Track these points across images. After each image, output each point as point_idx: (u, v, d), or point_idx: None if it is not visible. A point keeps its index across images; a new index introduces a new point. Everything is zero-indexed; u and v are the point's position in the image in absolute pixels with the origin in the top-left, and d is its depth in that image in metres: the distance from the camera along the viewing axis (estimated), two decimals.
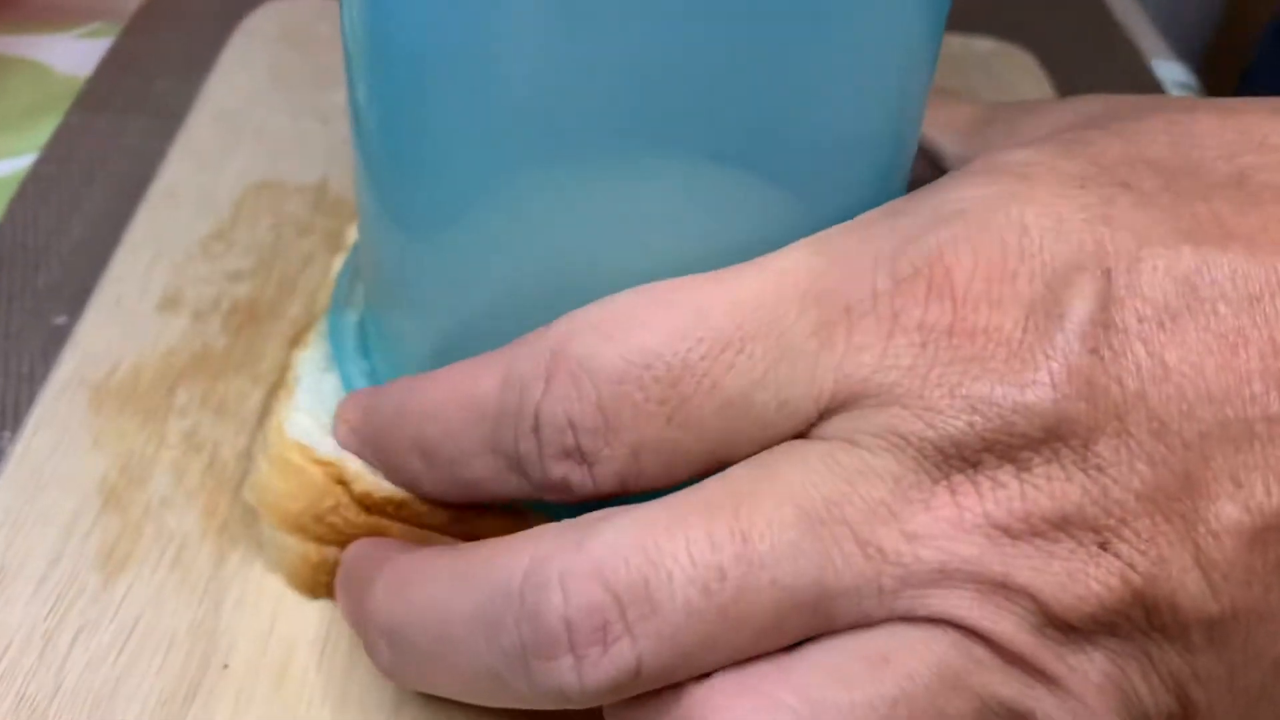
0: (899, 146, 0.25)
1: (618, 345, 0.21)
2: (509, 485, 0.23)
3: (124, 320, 0.35)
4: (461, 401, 0.23)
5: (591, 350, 0.22)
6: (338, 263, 0.34)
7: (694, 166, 0.23)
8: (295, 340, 0.31)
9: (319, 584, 0.29)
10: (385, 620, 0.24)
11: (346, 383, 0.30)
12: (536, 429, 0.22)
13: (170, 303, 0.36)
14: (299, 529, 0.28)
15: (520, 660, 0.21)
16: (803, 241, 0.23)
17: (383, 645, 0.24)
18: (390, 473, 0.26)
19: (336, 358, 0.31)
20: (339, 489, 0.27)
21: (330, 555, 0.28)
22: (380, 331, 0.29)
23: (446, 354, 0.26)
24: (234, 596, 0.29)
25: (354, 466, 0.27)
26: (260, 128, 0.43)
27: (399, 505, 0.27)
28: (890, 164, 0.25)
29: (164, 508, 0.30)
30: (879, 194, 0.25)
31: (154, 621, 0.28)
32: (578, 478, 0.22)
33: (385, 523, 0.27)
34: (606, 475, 0.22)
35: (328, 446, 0.27)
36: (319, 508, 0.27)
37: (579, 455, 0.22)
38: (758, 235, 0.24)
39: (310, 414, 0.28)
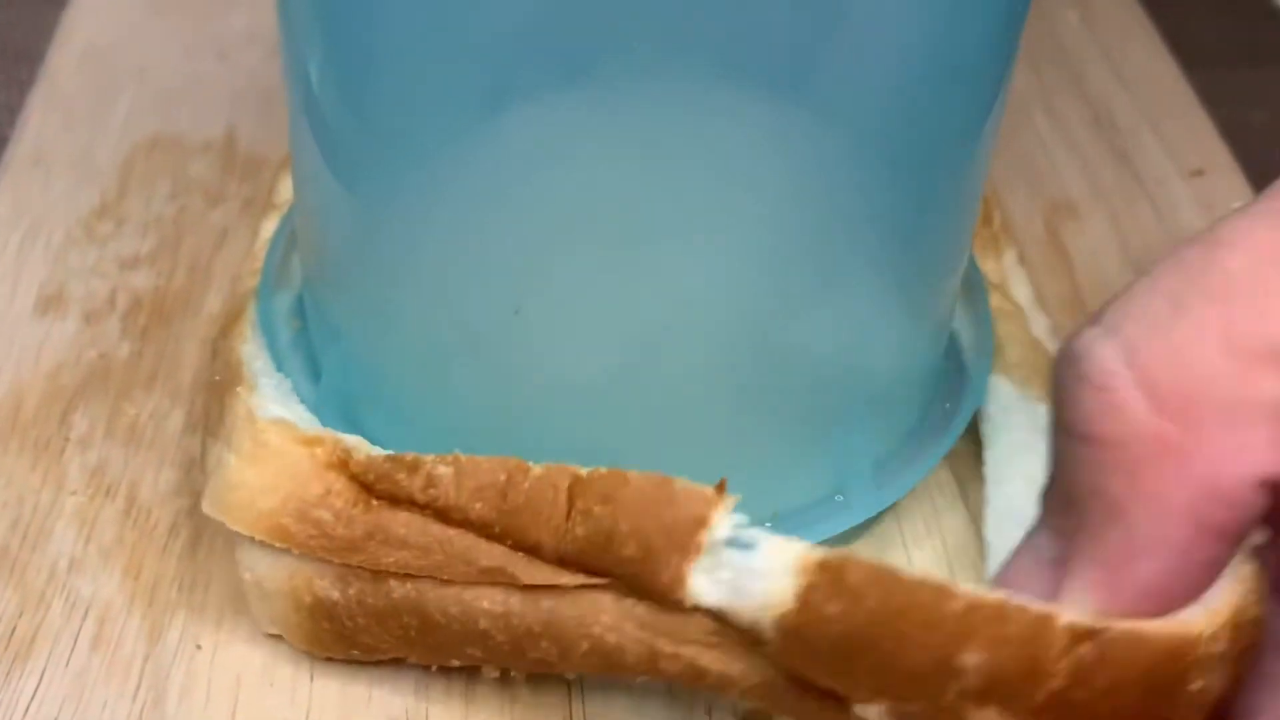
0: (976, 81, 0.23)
1: None
2: None
3: None
4: None
5: None
6: (268, 227, 0.30)
7: (721, 93, 0.21)
8: (225, 332, 0.28)
9: (321, 634, 0.25)
10: None
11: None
12: None
13: (52, 302, 0.32)
14: (278, 533, 0.24)
15: None
16: None
17: None
18: None
19: (270, 354, 0.27)
20: (330, 474, 0.24)
21: (324, 590, 0.24)
22: (323, 320, 0.27)
23: (405, 354, 0.25)
24: (179, 681, 0.25)
25: (350, 438, 0.24)
26: (142, 68, 0.39)
27: (411, 469, 0.23)
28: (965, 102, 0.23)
29: (74, 571, 0.27)
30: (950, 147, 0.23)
31: None
32: None
33: (390, 515, 0.24)
34: None
35: (311, 424, 0.25)
36: (304, 497, 0.24)
37: None
38: (799, 188, 0.22)
39: (285, 406, 0.25)
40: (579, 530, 0.22)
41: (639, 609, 0.22)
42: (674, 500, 0.22)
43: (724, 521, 0.21)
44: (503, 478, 0.23)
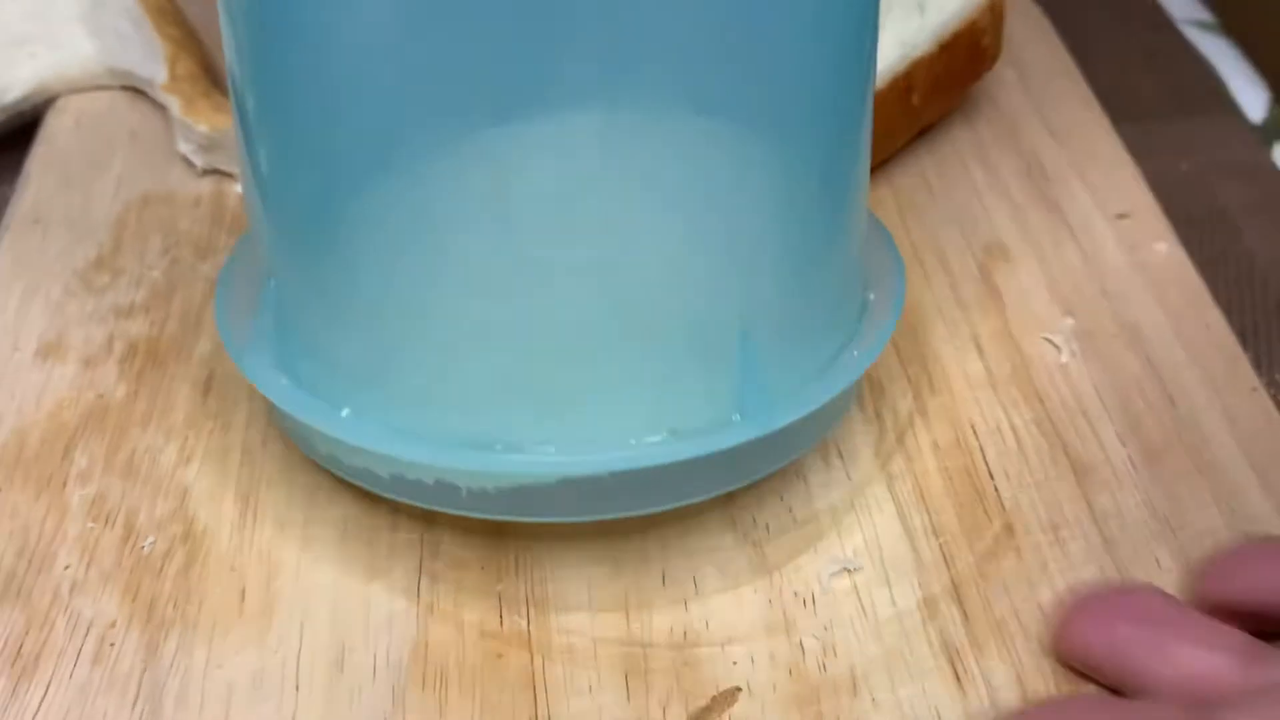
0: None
1: None
2: None
3: None
4: None
5: None
6: None
7: (633, 113, 0.23)
8: None
9: None
10: None
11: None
12: None
13: (52, 349, 0.33)
14: None
15: None
16: None
17: None
18: None
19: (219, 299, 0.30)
20: None
21: None
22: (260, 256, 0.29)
23: (329, 305, 0.27)
24: (174, 693, 0.26)
25: None
26: (134, 130, 0.39)
27: None
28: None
29: (76, 593, 0.28)
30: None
31: None
32: None
33: None
34: None
35: None
36: None
37: None
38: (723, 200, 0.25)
39: None
40: None
41: None
42: None
43: None
44: None
